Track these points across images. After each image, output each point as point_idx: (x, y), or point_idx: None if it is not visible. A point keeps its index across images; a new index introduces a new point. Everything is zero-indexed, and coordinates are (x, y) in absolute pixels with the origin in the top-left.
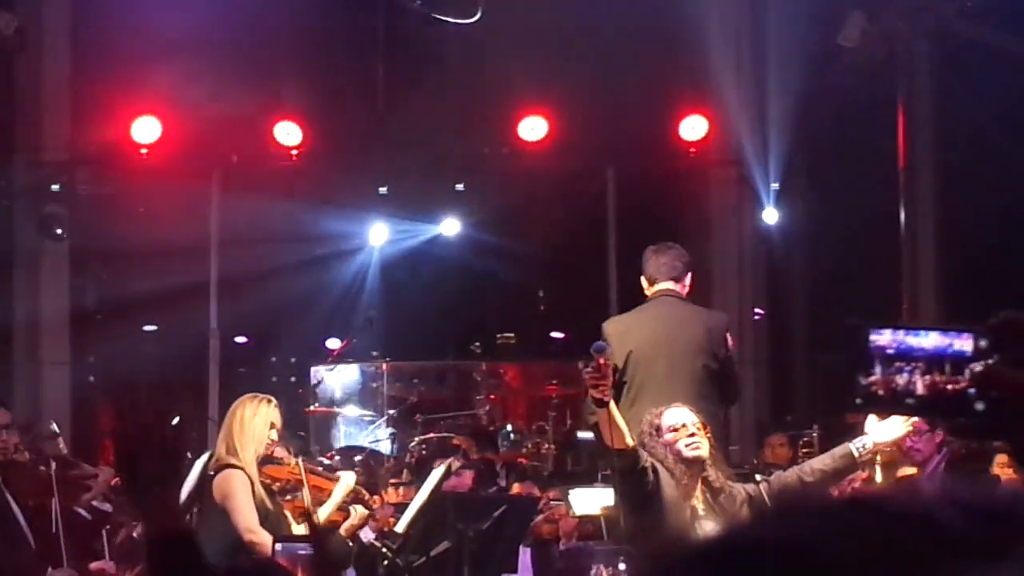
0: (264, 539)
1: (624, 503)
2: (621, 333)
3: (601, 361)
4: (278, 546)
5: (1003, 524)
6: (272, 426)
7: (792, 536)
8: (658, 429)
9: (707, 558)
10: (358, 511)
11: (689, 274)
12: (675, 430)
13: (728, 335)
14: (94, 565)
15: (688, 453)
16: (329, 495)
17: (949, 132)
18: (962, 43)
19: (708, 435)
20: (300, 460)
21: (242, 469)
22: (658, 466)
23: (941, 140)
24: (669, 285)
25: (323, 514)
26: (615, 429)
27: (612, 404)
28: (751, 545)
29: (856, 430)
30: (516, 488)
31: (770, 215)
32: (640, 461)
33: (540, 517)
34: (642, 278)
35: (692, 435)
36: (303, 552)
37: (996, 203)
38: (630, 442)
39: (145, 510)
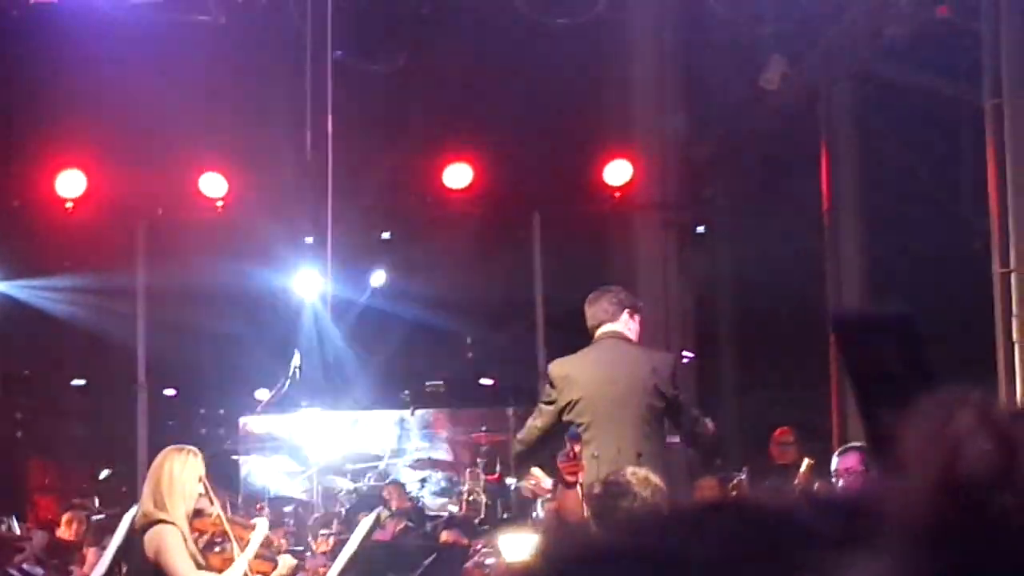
0: None
1: None
2: (566, 376)
3: (576, 449)
4: None
5: (853, 516)
6: (199, 479)
7: (644, 545)
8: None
9: (571, 568)
10: (286, 561)
11: (625, 311)
12: None
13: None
14: None
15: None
16: (247, 543)
17: (873, 173)
18: (883, 84)
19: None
20: (219, 511)
21: (173, 524)
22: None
23: (865, 181)
24: (611, 327)
25: (245, 564)
26: (574, 506)
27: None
28: (602, 556)
29: (785, 472)
30: (444, 536)
31: (694, 258)
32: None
33: (470, 563)
34: (589, 328)
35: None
36: None
37: (922, 244)
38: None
39: None
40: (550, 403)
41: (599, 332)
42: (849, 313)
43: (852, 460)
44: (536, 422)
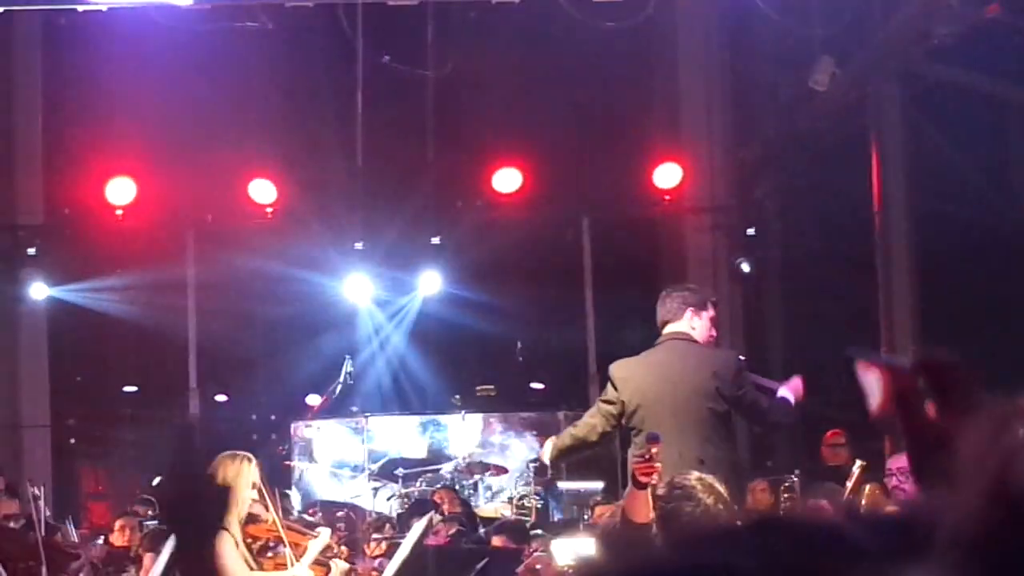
0: None
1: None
2: (626, 378)
3: (653, 451)
4: None
5: (902, 534)
6: (253, 485)
7: (694, 560)
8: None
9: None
10: (339, 566)
11: (689, 310)
12: None
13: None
14: None
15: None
16: (305, 551)
17: (922, 173)
18: (932, 84)
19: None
20: (276, 517)
21: (226, 529)
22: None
23: (914, 181)
24: (674, 327)
25: (302, 570)
26: (643, 507)
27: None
28: (653, 571)
29: (837, 474)
30: (496, 540)
31: (746, 260)
32: (650, 535)
33: (522, 567)
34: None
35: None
36: None
37: (971, 242)
38: (649, 517)
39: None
40: (608, 403)
41: (663, 333)
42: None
43: (906, 459)
44: (593, 420)
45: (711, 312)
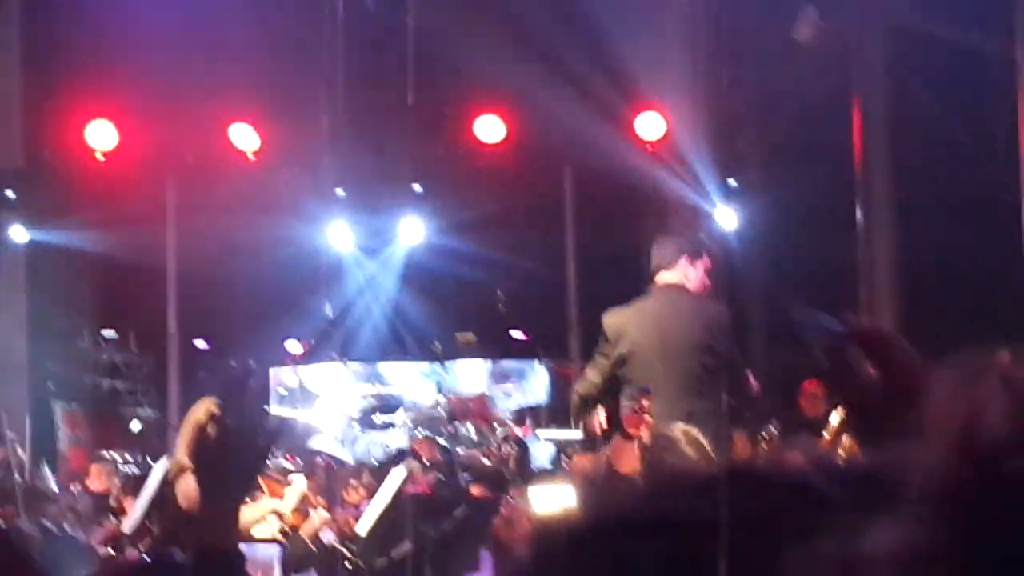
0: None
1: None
2: (619, 328)
3: (644, 404)
4: (243, 547)
5: (870, 486)
6: None
7: (662, 511)
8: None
9: (586, 536)
10: (319, 513)
11: (683, 257)
12: None
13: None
14: None
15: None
16: (281, 498)
17: (905, 126)
18: (916, 37)
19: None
20: None
21: None
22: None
23: (897, 135)
24: (668, 276)
25: (273, 506)
26: (629, 457)
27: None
28: (620, 523)
29: (815, 425)
30: (475, 489)
31: (727, 211)
32: (634, 484)
33: (498, 520)
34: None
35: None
36: (267, 554)
37: (953, 196)
38: (635, 468)
39: (207, 519)
40: (604, 356)
41: (656, 280)
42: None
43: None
44: (592, 374)
45: (706, 261)
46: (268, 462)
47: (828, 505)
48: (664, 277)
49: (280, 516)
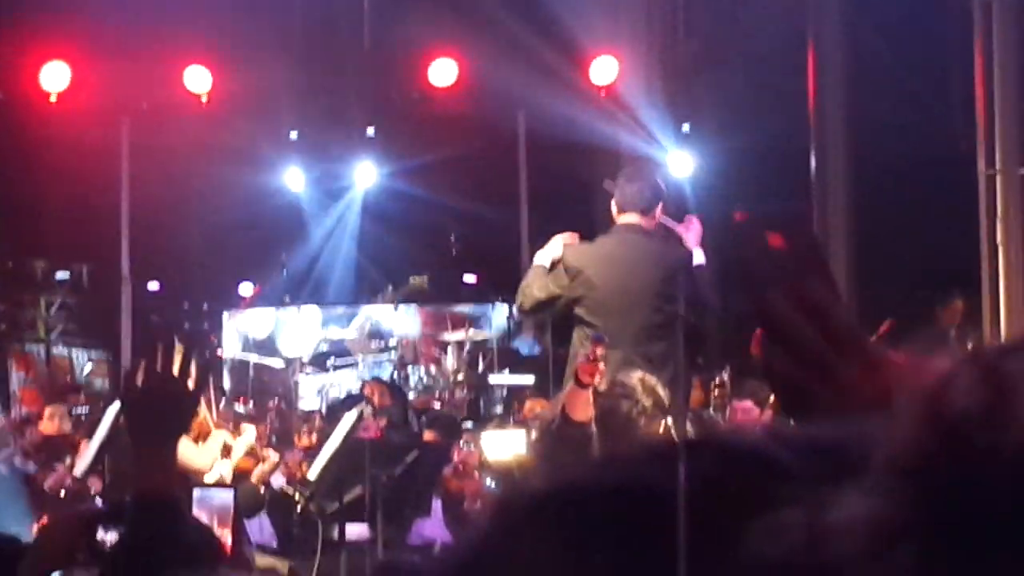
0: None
1: (554, 460)
2: (578, 266)
3: (598, 352)
4: (196, 493)
5: (832, 458)
6: None
7: (621, 480)
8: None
9: (534, 509)
10: (269, 457)
11: (660, 203)
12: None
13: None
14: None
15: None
16: (230, 448)
17: (860, 74)
18: None
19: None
20: (207, 412)
21: None
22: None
23: (851, 80)
24: (634, 219)
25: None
26: (583, 405)
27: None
28: (579, 492)
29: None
30: (427, 434)
31: (680, 157)
32: (590, 430)
33: (449, 469)
34: (612, 202)
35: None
36: (223, 499)
37: (907, 144)
38: (589, 416)
39: (141, 465)
40: (559, 286)
41: (620, 220)
42: (744, 217)
43: (747, 403)
44: (538, 293)
45: (661, 207)
46: (205, 409)
47: (788, 476)
48: (627, 218)
49: (229, 455)
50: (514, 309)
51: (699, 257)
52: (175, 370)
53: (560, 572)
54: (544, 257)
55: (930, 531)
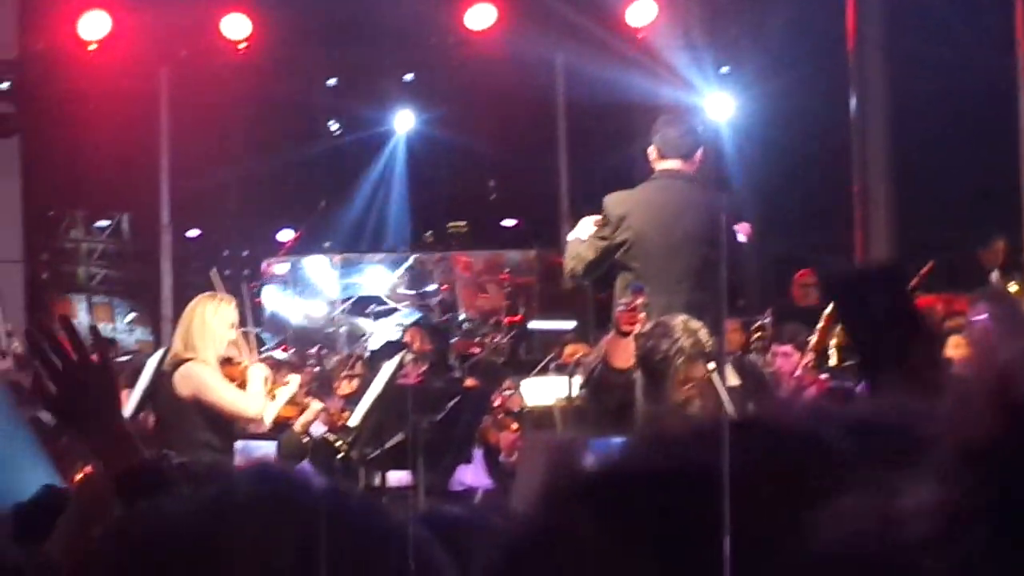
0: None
1: (597, 407)
2: (622, 215)
3: (638, 301)
4: (238, 444)
5: (886, 439)
6: (231, 325)
7: (671, 465)
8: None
9: (583, 494)
10: (312, 406)
11: (700, 148)
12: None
13: (741, 225)
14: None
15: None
16: (273, 397)
17: (899, 10)
18: None
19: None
20: (249, 359)
21: (205, 363)
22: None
23: (891, 19)
24: (676, 164)
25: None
26: (623, 351)
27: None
28: (628, 478)
29: (808, 315)
30: (468, 380)
31: (720, 100)
32: (632, 377)
33: (488, 420)
34: (650, 147)
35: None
36: (262, 451)
37: (946, 85)
38: (629, 363)
39: (98, 447)
40: (603, 238)
41: (664, 166)
42: (839, 272)
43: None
44: (587, 253)
45: (701, 151)
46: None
47: (846, 460)
48: (669, 163)
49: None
50: (566, 279)
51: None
52: (71, 356)
53: (610, 561)
54: (576, 235)
55: (1001, 515)
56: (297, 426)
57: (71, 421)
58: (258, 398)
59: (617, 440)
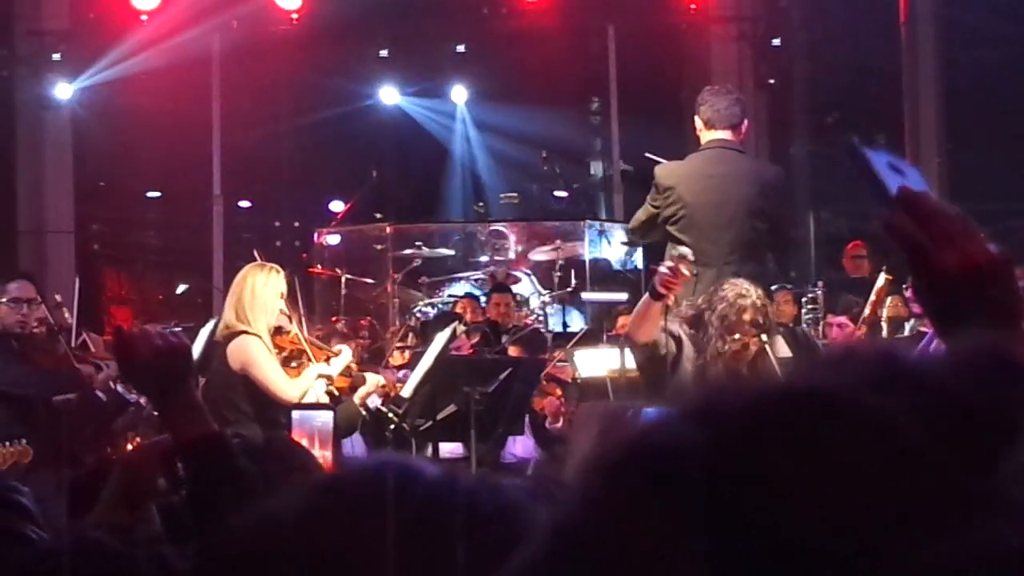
0: (294, 400)
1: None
2: (672, 185)
3: (682, 268)
4: (295, 415)
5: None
6: (280, 296)
7: (721, 435)
8: (726, 323)
9: (630, 463)
10: (370, 378)
11: (746, 121)
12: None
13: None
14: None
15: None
16: (326, 363)
17: None
18: None
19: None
20: (299, 330)
21: (257, 335)
22: (684, 339)
23: None
24: (725, 135)
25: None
26: (650, 322)
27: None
28: (678, 447)
29: (860, 285)
30: (519, 350)
31: (770, 71)
32: (659, 351)
33: (544, 377)
34: (696, 118)
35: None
36: (319, 421)
37: (996, 56)
38: (654, 337)
39: (170, 417)
40: (655, 207)
41: (713, 136)
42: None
43: (842, 318)
44: (641, 215)
45: (747, 123)
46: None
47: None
48: (718, 134)
49: (328, 379)
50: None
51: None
52: (147, 348)
53: (664, 533)
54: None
55: None
56: (356, 398)
57: (150, 393)
58: (299, 384)
59: (666, 410)
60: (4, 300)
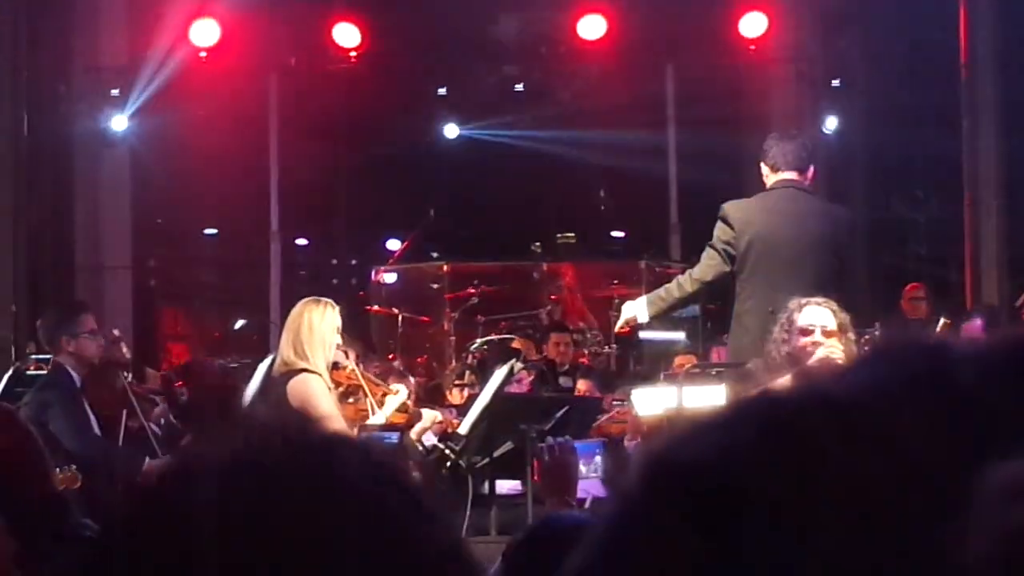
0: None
1: None
2: (743, 220)
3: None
4: (362, 436)
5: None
6: (336, 331)
7: (721, 449)
8: (791, 323)
9: (674, 485)
10: (429, 415)
11: (812, 166)
12: (806, 332)
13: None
14: None
15: (810, 358)
16: (382, 397)
17: (1012, 25)
18: None
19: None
20: (355, 365)
21: (317, 373)
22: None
23: (1004, 33)
24: (792, 175)
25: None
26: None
27: None
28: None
29: (917, 326)
30: (578, 389)
31: (830, 112)
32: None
33: (605, 417)
34: (762, 164)
35: (815, 343)
36: (389, 442)
37: None
38: None
39: None
40: (728, 244)
41: (776, 178)
42: None
43: (976, 325)
44: (712, 260)
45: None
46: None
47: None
48: (785, 175)
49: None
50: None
51: None
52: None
53: (701, 554)
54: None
55: None
56: (413, 434)
57: (197, 424)
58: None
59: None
60: (83, 332)
